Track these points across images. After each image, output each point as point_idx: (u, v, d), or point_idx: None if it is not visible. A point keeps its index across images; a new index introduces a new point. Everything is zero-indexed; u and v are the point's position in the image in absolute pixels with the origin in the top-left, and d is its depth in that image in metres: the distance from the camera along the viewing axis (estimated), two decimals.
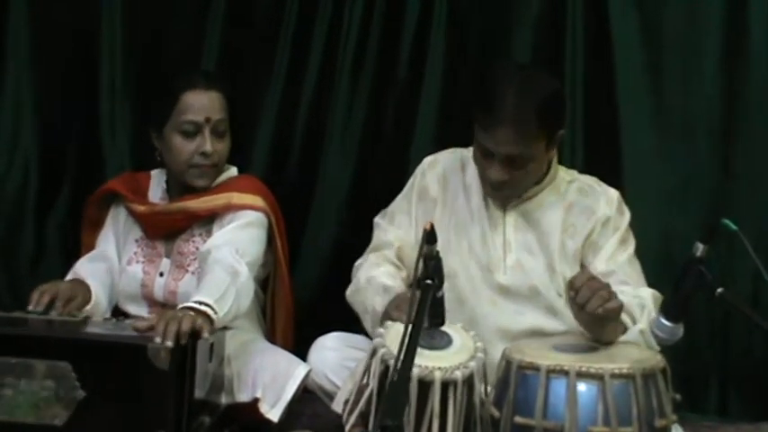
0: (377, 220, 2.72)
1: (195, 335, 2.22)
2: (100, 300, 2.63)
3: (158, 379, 2.18)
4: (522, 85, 2.39)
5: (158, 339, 2.18)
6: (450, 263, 2.44)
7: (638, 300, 2.39)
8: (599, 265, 2.48)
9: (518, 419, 2.10)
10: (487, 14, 3.15)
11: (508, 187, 2.49)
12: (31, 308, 2.45)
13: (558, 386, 2.07)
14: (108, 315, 2.64)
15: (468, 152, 2.63)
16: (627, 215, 2.57)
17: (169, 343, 2.17)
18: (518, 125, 2.37)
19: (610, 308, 2.20)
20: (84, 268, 2.71)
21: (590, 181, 2.61)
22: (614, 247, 2.51)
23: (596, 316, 2.20)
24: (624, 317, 2.32)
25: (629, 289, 2.42)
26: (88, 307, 2.56)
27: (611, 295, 2.22)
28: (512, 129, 2.37)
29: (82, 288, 2.58)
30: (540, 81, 2.45)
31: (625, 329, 2.33)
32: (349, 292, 2.63)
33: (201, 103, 2.65)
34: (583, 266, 2.30)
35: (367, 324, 2.52)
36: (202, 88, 2.66)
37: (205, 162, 2.65)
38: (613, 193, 2.58)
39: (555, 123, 2.46)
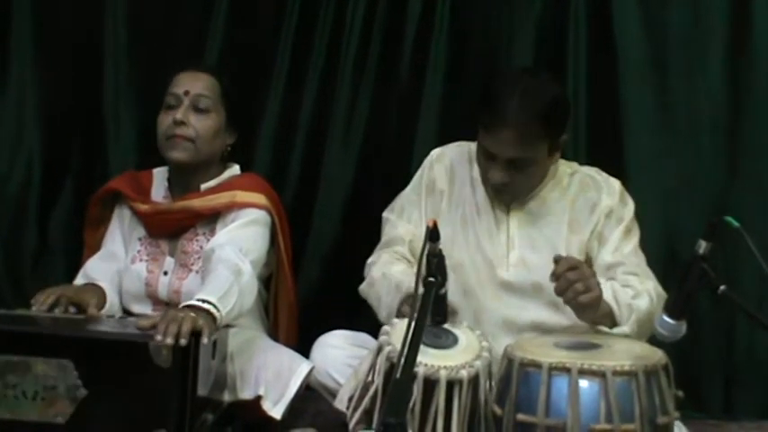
0: (385, 215, 2.71)
1: (196, 335, 2.22)
2: (113, 301, 2.64)
3: (160, 376, 2.18)
4: (527, 89, 2.40)
5: (159, 337, 2.18)
6: (456, 255, 2.48)
7: (634, 301, 2.40)
8: (606, 257, 2.51)
9: (520, 417, 2.10)
10: (490, 13, 3.15)
11: (509, 190, 2.51)
12: (34, 308, 2.45)
13: (561, 383, 2.07)
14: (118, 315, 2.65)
15: (475, 146, 2.63)
16: (630, 205, 2.58)
17: (169, 340, 2.16)
18: (521, 128, 2.38)
19: (582, 301, 2.26)
20: (95, 268, 2.71)
21: (591, 172, 2.62)
22: (619, 238, 2.53)
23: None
24: (615, 309, 2.35)
25: (636, 280, 2.45)
26: (104, 310, 2.56)
27: (588, 287, 2.26)
28: (514, 131, 2.38)
29: (94, 291, 2.59)
30: (545, 86, 2.46)
31: (613, 323, 2.36)
32: (363, 286, 2.63)
33: (186, 79, 2.68)
34: (557, 259, 2.30)
35: (381, 315, 2.52)
36: (192, 70, 2.71)
37: (177, 131, 2.64)
38: (615, 183, 2.59)
39: (557, 128, 2.47)
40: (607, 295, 2.35)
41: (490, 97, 2.43)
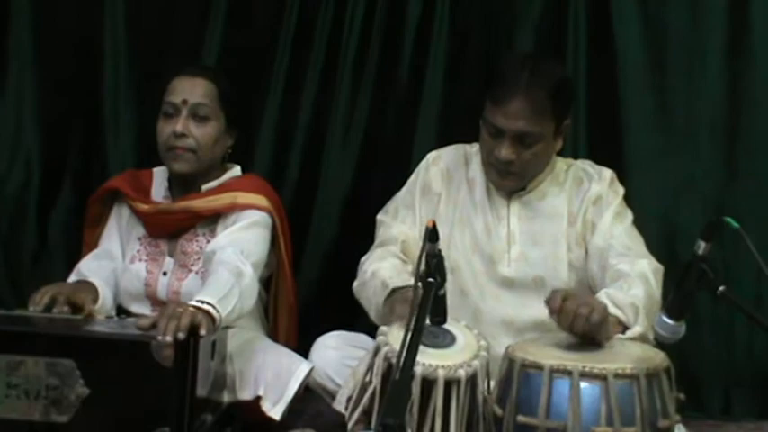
0: (380, 217, 2.72)
1: (194, 329, 2.22)
2: (106, 299, 2.62)
3: (161, 376, 2.18)
4: (537, 65, 2.50)
5: (161, 337, 2.18)
6: (453, 256, 2.49)
7: (631, 293, 2.36)
8: (597, 242, 2.52)
9: (521, 419, 2.09)
10: (489, 13, 3.16)
11: (515, 170, 2.51)
12: (31, 308, 2.44)
13: (562, 386, 2.06)
14: (113, 314, 2.63)
15: (471, 147, 2.69)
16: (620, 191, 2.60)
17: (169, 338, 2.16)
18: (531, 98, 2.44)
19: (595, 321, 2.18)
20: (88, 267, 2.70)
21: (584, 165, 2.65)
22: (609, 222, 2.54)
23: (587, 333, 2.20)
24: (620, 315, 2.32)
25: (627, 262, 2.44)
26: (96, 306, 2.55)
27: (591, 309, 2.18)
28: (525, 101, 2.44)
29: (88, 288, 2.57)
30: (553, 66, 2.59)
31: (624, 328, 2.33)
32: (355, 285, 2.63)
33: (183, 87, 2.66)
34: (553, 292, 2.24)
35: (372, 316, 2.53)
36: (189, 74, 2.68)
37: (178, 143, 2.62)
38: (606, 172, 2.61)
39: (564, 108, 2.53)
40: (607, 306, 2.31)
41: (502, 72, 2.51)
